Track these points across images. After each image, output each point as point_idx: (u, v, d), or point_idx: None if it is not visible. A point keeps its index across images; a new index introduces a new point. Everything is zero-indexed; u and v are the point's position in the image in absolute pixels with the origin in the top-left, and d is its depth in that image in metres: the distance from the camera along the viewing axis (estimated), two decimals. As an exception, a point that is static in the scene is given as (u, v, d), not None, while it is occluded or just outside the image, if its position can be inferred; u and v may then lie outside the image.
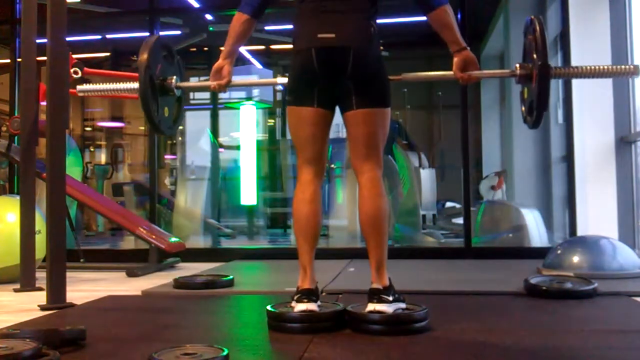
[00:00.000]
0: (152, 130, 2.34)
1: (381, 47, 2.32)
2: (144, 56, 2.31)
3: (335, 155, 6.14)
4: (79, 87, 2.52)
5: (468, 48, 2.27)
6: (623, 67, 2.29)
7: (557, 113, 5.53)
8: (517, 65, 2.27)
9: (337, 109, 2.36)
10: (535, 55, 2.13)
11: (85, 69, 4.26)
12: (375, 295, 2.20)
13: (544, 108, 2.10)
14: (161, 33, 5.61)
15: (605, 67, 2.27)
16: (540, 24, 2.17)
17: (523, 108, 2.33)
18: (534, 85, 2.12)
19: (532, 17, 2.25)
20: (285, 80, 2.39)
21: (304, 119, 2.30)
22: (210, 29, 8.09)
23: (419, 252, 5.06)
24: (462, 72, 2.27)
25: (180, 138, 7.06)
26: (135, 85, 2.30)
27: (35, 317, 2.64)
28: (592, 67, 2.27)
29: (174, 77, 2.44)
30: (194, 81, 10.85)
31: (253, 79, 6.98)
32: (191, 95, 11.13)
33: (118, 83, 2.46)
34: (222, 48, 2.45)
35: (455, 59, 2.27)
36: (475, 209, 5.62)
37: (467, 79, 2.28)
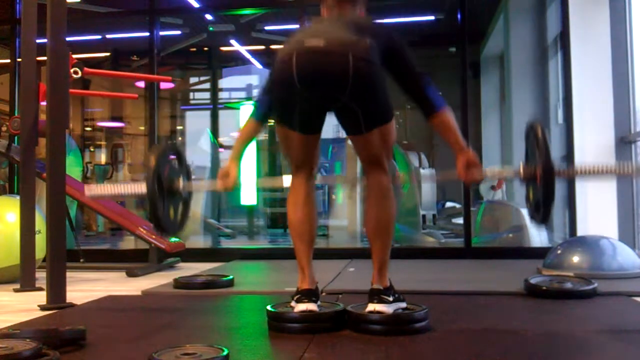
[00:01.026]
0: (156, 229, 2.35)
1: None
2: (152, 160, 2.33)
3: (335, 155, 6.14)
4: (88, 193, 2.54)
5: (470, 149, 2.27)
6: (627, 166, 2.23)
7: (557, 113, 5.53)
8: (521, 165, 2.27)
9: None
10: (538, 157, 2.12)
11: (85, 69, 4.26)
12: (376, 295, 2.21)
13: (551, 207, 2.10)
14: (161, 33, 5.61)
15: (610, 166, 2.23)
16: (541, 129, 2.15)
17: (528, 205, 2.33)
18: (539, 186, 2.12)
19: (532, 122, 2.23)
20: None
21: (288, 139, 2.30)
22: (210, 29, 8.10)
23: (419, 252, 5.07)
24: (465, 172, 2.26)
25: (180, 138, 7.07)
26: (143, 189, 2.32)
27: (35, 317, 2.64)
28: (596, 167, 2.22)
29: (181, 179, 2.46)
30: (193, 81, 10.91)
31: (253, 78, 7.00)
32: (191, 95, 11.14)
33: (126, 187, 2.48)
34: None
35: (459, 160, 2.26)
36: (475, 209, 5.62)
37: (471, 179, 2.28)
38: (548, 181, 2.06)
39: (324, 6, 2.38)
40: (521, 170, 2.25)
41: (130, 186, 2.45)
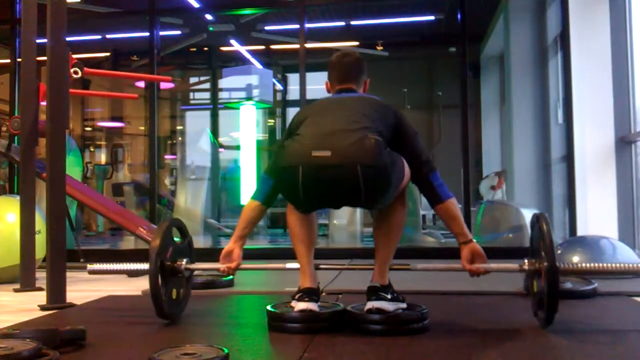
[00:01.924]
0: (157, 313, 2.34)
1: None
2: (156, 242, 2.32)
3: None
4: (89, 268, 2.54)
5: (474, 240, 2.27)
6: (631, 265, 2.20)
7: (557, 113, 5.53)
8: (526, 261, 2.27)
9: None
10: (543, 255, 2.12)
11: (85, 69, 4.26)
12: (374, 292, 2.21)
13: (555, 307, 2.10)
14: (161, 33, 5.61)
15: (613, 265, 2.21)
16: (546, 222, 2.14)
17: (532, 298, 2.32)
18: (543, 285, 2.12)
19: (538, 214, 2.21)
20: (294, 265, 2.39)
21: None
22: (210, 29, 8.10)
23: (419, 252, 5.06)
24: (470, 264, 2.26)
25: (180, 138, 7.08)
26: (145, 267, 2.32)
27: (35, 317, 2.64)
28: (600, 266, 2.21)
29: (184, 259, 2.45)
30: (193, 81, 10.91)
31: (253, 78, 6.99)
32: (191, 95, 11.15)
33: (129, 264, 2.48)
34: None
35: (462, 252, 2.27)
36: (475, 209, 5.62)
37: (475, 271, 2.27)
38: (552, 284, 2.05)
39: (328, 81, 2.43)
40: (525, 266, 2.25)
41: (133, 265, 2.46)
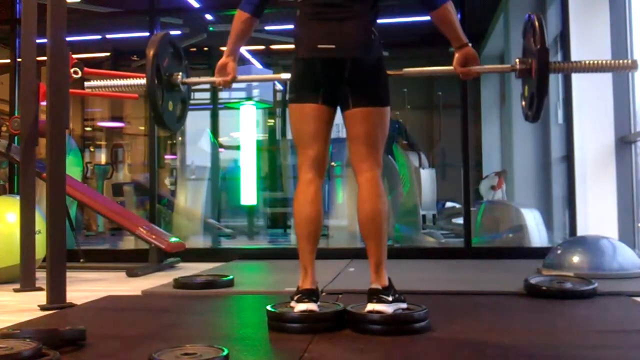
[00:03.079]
0: (155, 122, 2.32)
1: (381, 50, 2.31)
2: (152, 47, 2.31)
3: (336, 155, 6.14)
4: (87, 84, 2.53)
5: (470, 44, 2.28)
6: (621, 61, 2.31)
7: (557, 113, 5.53)
8: (517, 60, 2.29)
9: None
10: (534, 46, 2.14)
11: (85, 69, 4.26)
12: (375, 295, 2.20)
13: (543, 99, 2.11)
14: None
15: (604, 61, 2.29)
16: (539, 20, 2.18)
17: (523, 103, 2.34)
18: (534, 76, 2.13)
19: (531, 14, 2.26)
20: (288, 75, 2.40)
21: (307, 116, 2.31)
22: (210, 29, 8.09)
23: (419, 252, 5.06)
24: (462, 68, 2.27)
25: (180, 138, 7.07)
26: (143, 81, 2.30)
27: (35, 317, 2.64)
28: (591, 62, 2.29)
29: (180, 73, 2.45)
30: (191, 77, 10.92)
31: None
32: (191, 95, 11.15)
33: (125, 79, 2.47)
34: (222, 48, 2.46)
35: (456, 55, 2.30)
36: (475, 209, 5.62)
37: (467, 73, 2.30)
38: (542, 74, 2.07)
39: None
40: (517, 65, 2.26)
41: (130, 80, 2.45)
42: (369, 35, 2.26)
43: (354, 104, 2.27)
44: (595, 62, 2.28)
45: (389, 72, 2.34)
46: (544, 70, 2.11)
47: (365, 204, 2.25)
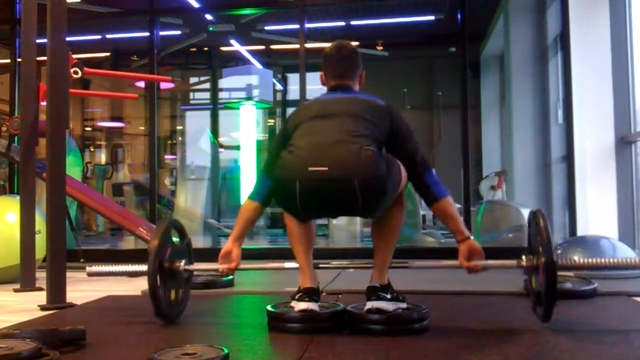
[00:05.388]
0: (156, 315, 2.33)
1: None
2: (154, 243, 2.31)
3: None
4: (88, 270, 2.53)
5: (472, 237, 2.28)
6: (629, 260, 2.22)
7: (557, 113, 5.53)
8: (523, 257, 2.26)
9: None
10: (540, 250, 2.11)
11: (85, 69, 4.27)
12: (373, 292, 2.22)
13: (553, 302, 2.09)
14: (161, 33, 5.61)
15: (611, 260, 2.22)
16: (543, 218, 2.13)
17: (530, 293, 2.32)
18: (541, 279, 2.11)
19: (535, 211, 2.22)
20: (291, 264, 2.40)
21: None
22: (210, 29, 8.10)
23: (419, 252, 5.06)
24: (467, 261, 2.26)
25: (180, 138, 7.07)
26: (144, 268, 2.31)
27: (35, 317, 2.64)
28: (597, 261, 2.22)
29: (183, 260, 2.45)
30: (193, 81, 10.91)
31: (253, 78, 6.99)
32: (191, 95, 11.15)
33: (127, 266, 2.47)
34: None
35: (460, 249, 2.27)
36: (475, 209, 5.62)
37: (473, 268, 2.27)
38: (550, 279, 2.05)
39: (323, 73, 2.41)
40: (523, 262, 2.25)
41: (132, 267, 2.46)
42: (370, 151, 2.13)
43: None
44: (602, 261, 2.20)
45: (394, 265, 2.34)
46: (552, 276, 2.04)
47: (386, 217, 2.27)
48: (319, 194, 2.10)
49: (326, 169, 2.06)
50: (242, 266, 2.40)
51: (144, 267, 2.33)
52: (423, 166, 2.25)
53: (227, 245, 2.40)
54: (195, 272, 2.70)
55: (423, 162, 2.26)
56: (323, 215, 2.37)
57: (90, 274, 2.52)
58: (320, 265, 2.38)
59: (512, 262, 2.29)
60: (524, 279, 3.03)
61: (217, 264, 2.40)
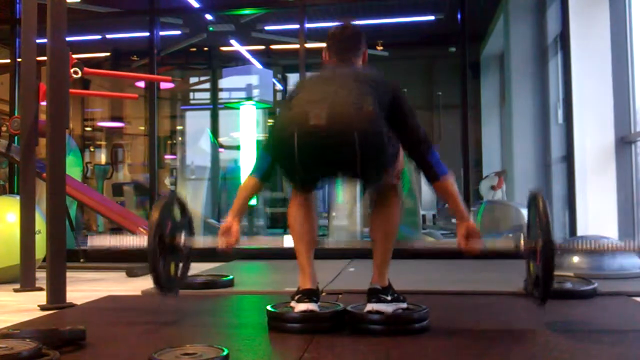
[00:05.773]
0: (155, 288, 2.33)
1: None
2: (155, 215, 2.30)
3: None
4: (89, 242, 2.53)
5: (471, 219, 2.27)
6: (628, 244, 2.22)
7: (557, 113, 5.53)
8: (522, 241, 2.26)
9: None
10: (539, 232, 2.10)
11: (85, 69, 4.27)
12: (374, 295, 2.21)
13: (550, 284, 2.08)
14: (161, 33, 5.61)
15: (610, 244, 2.21)
16: (543, 200, 2.11)
17: (528, 280, 2.31)
18: (539, 263, 2.10)
19: (535, 192, 2.19)
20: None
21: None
22: (210, 29, 8.10)
23: (419, 252, 5.06)
24: (466, 242, 2.25)
25: (180, 138, 7.07)
26: (144, 242, 2.30)
27: (35, 317, 2.64)
28: (597, 243, 2.22)
29: (183, 235, 2.44)
30: (193, 81, 10.91)
31: (253, 78, 6.99)
32: (191, 95, 11.14)
33: (127, 238, 2.47)
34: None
35: (459, 229, 2.26)
36: (475, 209, 5.62)
37: (470, 249, 2.26)
38: (548, 259, 2.04)
39: (326, 52, 2.40)
40: (522, 244, 2.24)
41: (132, 238, 2.45)
42: (371, 108, 2.14)
43: (375, 181, 2.25)
44: (601, 244, 2.20)
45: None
46: (550, 258, 2.01)
47: (381, 216, 2.28)
48: (317, 147, 2.05)
49: (324, 121, 2.02)
50: (242, 243, 2.39)
51: (144, 240, 2.31)
52: (426, 144, 2.23)
53: (226, 221, 2.39)
54: (195, 272, 2.70)
55: (426, 139, 2.24)
56: (321, 172, 2.23)
57: (90, 248, 2.50)
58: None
59: (510, 244, 2.29)
60: (524, 279, 3.03)
61: (217, 240, 2.40)
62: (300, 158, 2.07)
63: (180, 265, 2.48)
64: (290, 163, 2.12)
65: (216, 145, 7.02)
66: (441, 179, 2.23)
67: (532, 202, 2.17)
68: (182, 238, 2.42)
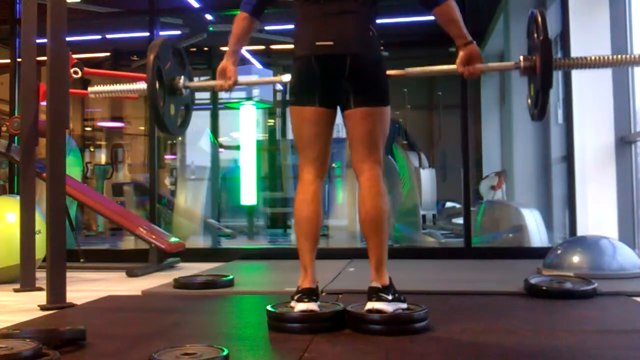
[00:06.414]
0: (156, 124, 2.30)
1: (381, 47, 2.31)
2: (154, 49, 2.31)
3: (335, 155, 6.14)
4: (90, 89, 2.52)
5: (474, 42, 2.27)
6: (628, 56, 2.28)
7: (557, 113, 5.53)
8: (521, 58, 2.27)
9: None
10: (537, 39, 2.12)
11: (85, 69, 4.26)
12: (374, 293, 2.21)
13: (548, 94, 2.09)
14: (161, 33, 5.61)
15: (610, 57, 2.26)
16: (541, 14, 2.17)
17: (529, 102, 2.33)
18: (538, 71, 2.11)
19: (534, 10, 2.26)
20: (288, 77, 2.40)
21: (306, 119, 2.32)
22: (210, 29, 8.09)
23: (419, 252, 5.06)
24: (465, 66, 2.27)
25: (180, 138, 7.07)
26: (144, 85, 2.29)
27: (35, 317, 2.64)
28: (596, 57, 2.25)
29: (182, 76, 2.44)
30: (194, 81, 10.92)
31: (253, 78, 6.99)
32: (194, 99, 11.14)
33: (127, 84, 2.46)
34: (222, 48, 2.47)
35: (460, 53, 2.27)
36: (475, 209, 5.62)
37: (471, 72, 2.28)
38: (546, 67, 2.04)
39: None
40: (521, 62, 2.24)
41: (132, 84, 2.44)
42: (367, 32, 2.27)
43: (355, 103, 2.27)
44: (601, 57, 2.25)
45: (391, 72, 2.34)
46: (547, 63, 2.09)
47: (366, 203, 2.26)
48: (326, 65, 2.22)
49: (331, 44, 2.21)
50: (239, 82, 2.43)
51: (144, 85, 2.30)
52: None
53: (222, 62, 2.43)
54: (195, 272, 2.70)
55: None
56: (333, 86, 2.29)
57: (92, 92, 2.50)
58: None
59: (510, 64, 2.31)
60: (524, 279, 3.04)
61: (215, 81, 2.43)
62: (316, 65, 2.23)
63: (181, 109, 2.47)
64: (307, 80, 2.27)
65: (216, 145, 7.02)
66: (442, 4, 2.23)
67: (531, 19, 2.21)
68: (182, 80, 2.42)
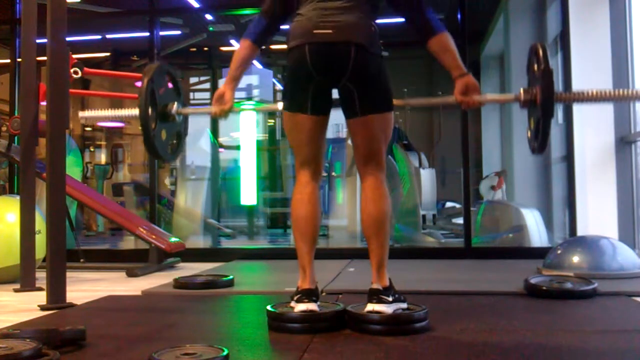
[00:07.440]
0: (147, 150, 2.31)
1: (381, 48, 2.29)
2: (148, 74, 2.30)
3: (335, 155, 6.14)
4: (81, 114, 2.53)
5: (470, 73, 2.25)
6: (631, 91, 2.26)
7: (557, 113, 5.52)
8: (522, 90, 2.25)
9: (337, 111, 2.35)
10: (538, 71, 2.09)
11: (85, 69, 4.27)
12: (375, 295, 2.21)
13: (548, 130, 2.07)
14: (161, 33, 5.61)
15: (611, 91, 2.24)
16: (543, 48, 2.14)
17: (529, 134, 2.31)
18: (538, 103, 2.09)
19: (535, 44, 2.22)
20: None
21: (298, 125, 2.29)
22: (210, 29, 8.10)
23: (419, 252, 5.06)
24: (463, 97, 2.24)
25: (180, 138, 7.06)
26: (137, 111, 2.29)
27: (35, 317, 2.64)
28: (597, 92, 2.24)
29: (175, 103, 2.43)
30: (193, 81, 10.91)
31: (253, 78, 6.99)
32: (191, 95, 11.15)
33: (120, 110, 2.47)
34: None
35: (457, 84, 2.25)
36: (475, 209, 5.62)
37: (470, 103, 2.26)
38: (547, 102, 2.03)
39: None
40: (521, 94, 2.23)
41: (125, 110, 2.44)
42: (370, 28, 2.22)
43: (363, 110, 2.21)
44: (602, 92, 2.23)
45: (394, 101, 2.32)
46: (549, 95, 2.04)
47: (369, 205, 2.26)
48: (323, 54, 2.16)
49: (330, 32, 2.14)
50: (236, 109, 2.40)
51: (136, 112, 2.30)
52: (422, 3, 2.25)
53: (221, 87, 2.40)
54: (195, 272, 2.70)
55: (423, 2, 2.26)
56: (329, 83, 2.25)
57: (82, 118, 2.52)
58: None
59: (510, 96, 2.29)
60: (524, 279, 3.04)
61: (211, 107, 2.40)
62: (311, 57, 2.16)
63: (173, 135, 2.46)
64: (302, 72, 2.20)
65: (216, 145, 7.02)
66: (438, 34, 2.22)
67: (532, 51, 2.20)
68: (175, 106, 2.41)
